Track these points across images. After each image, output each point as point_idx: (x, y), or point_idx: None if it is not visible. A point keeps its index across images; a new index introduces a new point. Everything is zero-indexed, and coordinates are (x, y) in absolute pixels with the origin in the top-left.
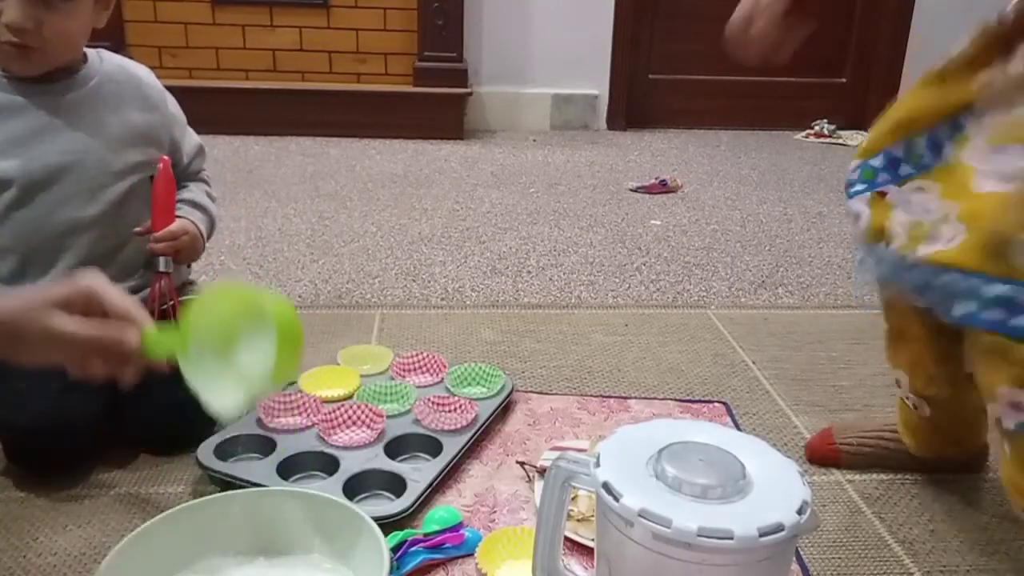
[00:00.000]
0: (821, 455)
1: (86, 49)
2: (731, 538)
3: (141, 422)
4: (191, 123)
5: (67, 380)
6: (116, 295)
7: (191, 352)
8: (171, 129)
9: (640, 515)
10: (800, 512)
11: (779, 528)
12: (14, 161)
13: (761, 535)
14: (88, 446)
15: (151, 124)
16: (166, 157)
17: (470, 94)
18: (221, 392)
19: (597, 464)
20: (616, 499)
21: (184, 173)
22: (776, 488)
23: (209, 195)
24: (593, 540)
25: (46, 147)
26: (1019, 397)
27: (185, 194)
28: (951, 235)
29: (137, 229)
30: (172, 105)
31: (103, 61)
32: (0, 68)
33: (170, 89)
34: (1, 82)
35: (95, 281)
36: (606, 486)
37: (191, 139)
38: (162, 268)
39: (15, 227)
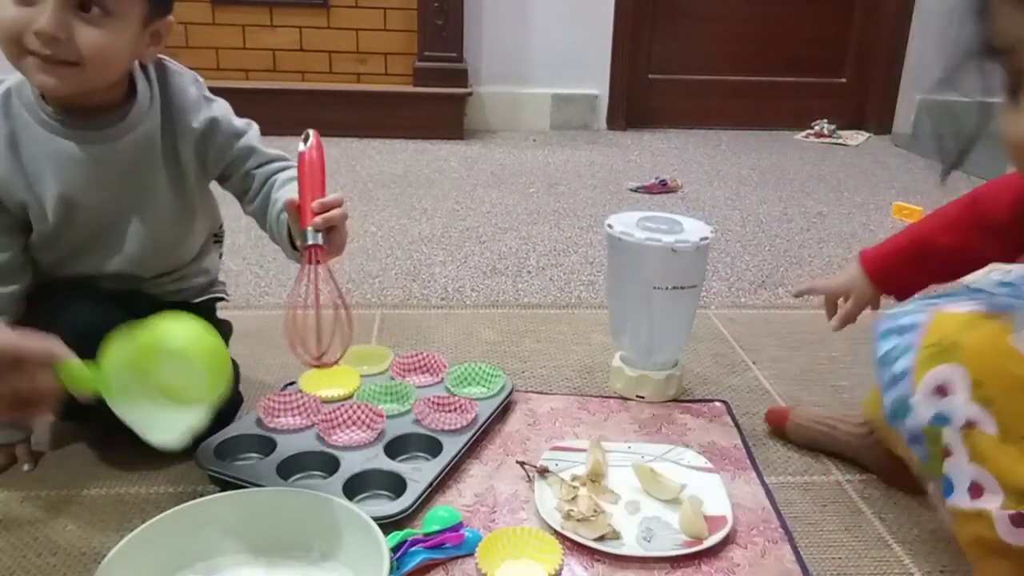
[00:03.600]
0: (773, 419)
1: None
2: (688, 241)
3: None
4: None
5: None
6: (28, 340)
7: (115, 388)
8: (232, 144)
9: (646, 241)
10: (704, 237)
11: (703, 239)
12: (59, 218)
13: (697, 243)
14: None
15: (208, 158)
16: (315, 131)
17: (470, 94)
18: (157, 425)
19: (610, 226)
20: (631, 237)
21: (266, 165)
22: (697, 231)
23: None
24: (593, 540)
25: (95, 204)
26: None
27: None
28: None
29: (280, 207)
30: (221, 118)
31: (153, 98)
32: (43, 99)
33: None
34: (52, 124)
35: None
36: (624, 234)
37: (248, 138)
38: (311, 241)
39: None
